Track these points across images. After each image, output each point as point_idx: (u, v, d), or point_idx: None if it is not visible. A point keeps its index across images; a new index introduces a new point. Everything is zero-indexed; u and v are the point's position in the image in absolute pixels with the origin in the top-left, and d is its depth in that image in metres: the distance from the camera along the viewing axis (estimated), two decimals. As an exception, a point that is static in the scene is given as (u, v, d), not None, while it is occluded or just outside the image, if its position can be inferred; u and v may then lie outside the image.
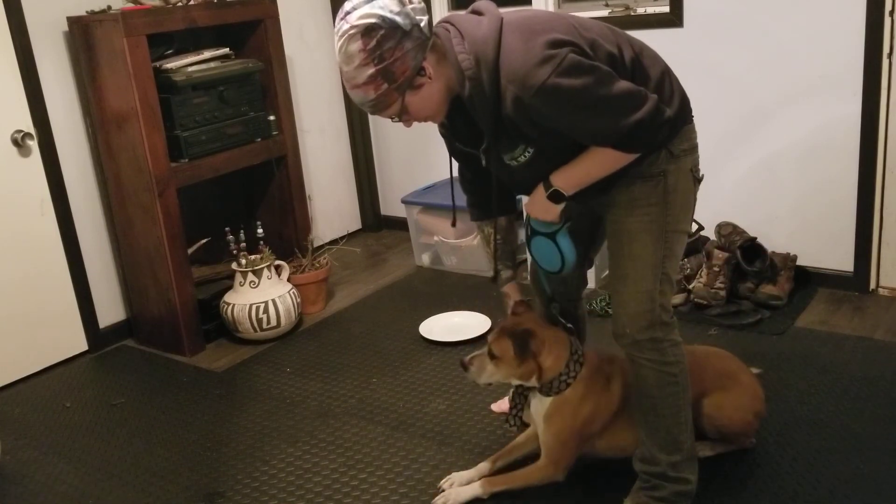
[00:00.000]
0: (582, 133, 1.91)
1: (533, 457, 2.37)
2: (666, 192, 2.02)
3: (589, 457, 2.36)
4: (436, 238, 4.15)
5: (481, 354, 2.30)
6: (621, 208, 2.07)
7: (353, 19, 1.80)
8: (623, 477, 2.35)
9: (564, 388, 2.26)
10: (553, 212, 2.07)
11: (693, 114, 2.10)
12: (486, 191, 2.20)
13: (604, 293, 3.60)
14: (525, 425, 2.47)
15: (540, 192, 2.04)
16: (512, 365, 2.25)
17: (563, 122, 1.88)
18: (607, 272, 3.96)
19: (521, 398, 2.37)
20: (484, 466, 2.42)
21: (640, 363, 2.10)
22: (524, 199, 2.16)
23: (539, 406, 2.32)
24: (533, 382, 2.29)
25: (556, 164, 2.01)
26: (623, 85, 1.85)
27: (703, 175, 2.13)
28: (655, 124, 1.88)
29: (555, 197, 2.02)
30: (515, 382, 2.31)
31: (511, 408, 2.39)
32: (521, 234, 2.33)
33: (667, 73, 2.03)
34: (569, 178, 2.01)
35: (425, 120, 2.00)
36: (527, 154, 2.00)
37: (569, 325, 2.36)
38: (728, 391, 2.34)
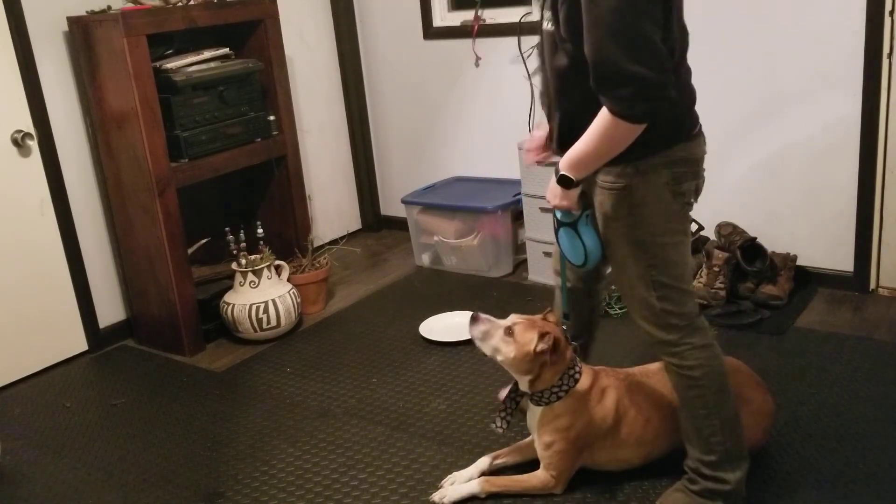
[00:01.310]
0: (588, 30, 1.81)
1: (533, 463, 2.37)
2: (632, 206, 2.03)
3: (590, 469, 2.36)
4: (436, 238, 4.15)
5: (497, 325, 2.28)
6: (600, 218, 2.10)
7: None
8: (622, 480, 2.36)
9: (554, 399, 2.27)
10: (568, 198, 2.03)
11: (686, 134, 2.05)
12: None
13: (604, 293, 3.59)
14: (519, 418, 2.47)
15: (552, 179, 2.04)
16: (521, 355, 2.22)
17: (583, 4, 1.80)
18: (607, 272, 3.96)
19: (512, 403, 2.38)
20: (484, 462, 2.43)
21: (667, 364, 2.14)
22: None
23: (532, 416, 2.34)
24: (524, 383, 2.30)
25: (554, 58, 2.01)
26: (653, 35, 1.78)
27: (695, 187, 2.08)
28: (656, 87, 1.80)
29: (563, 182, 2.00)
30: (506, 366, 2.29)
31: (500, 410, 2.39)
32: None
33: (690, 88, 2.00)
34: (570, 160, 1.97)
35: None
36: (548, 23, 1.98)
37: (575, 344, 2.35)
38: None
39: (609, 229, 2.09)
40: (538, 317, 2.35)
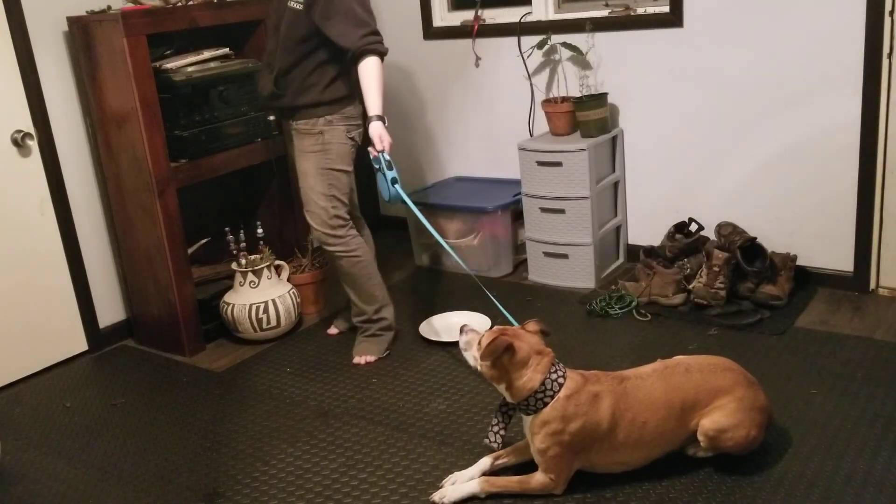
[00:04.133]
0: (345, 14, 2.92)
1: (534, 463, 2.36)
2: (324, 144, 3.07)
3: (588, 472, 2.36)
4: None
5: (477, 333, 2.36)
6: (297, 153, 3.14)
7: None
8: (622, 481, 2.36)
9: (542, 406, 2.26)
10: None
11: (353, 98, 3.12)
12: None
13: (604, 293, 3.60)
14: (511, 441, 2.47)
15: (376, 126, 2.95)
16: (484, 360, 2.28)
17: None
18: (607, 273, 3.97)
19: (504, 417, 2.39)
20: (485, 462, 2.43)
21: (334, 256, 3.17)
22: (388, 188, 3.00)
23: (525, 423, 2.34)
24: (503, 391, 2.32)
25: (291, 30, 2.97)
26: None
27: (358, 141, 3.15)
28: (375, 33, 2.98)
29: (383, 120, 2.98)
30: (486, 378, 2.33)
31: (493, 425, 2.40)
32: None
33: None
34: (378, 105, 2.95)
35: None
36: (297, 4, 2.93)
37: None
38: (724, 409, 2.29)
39: (305, 162, 3.10)
40: (517, 326, 2.38)
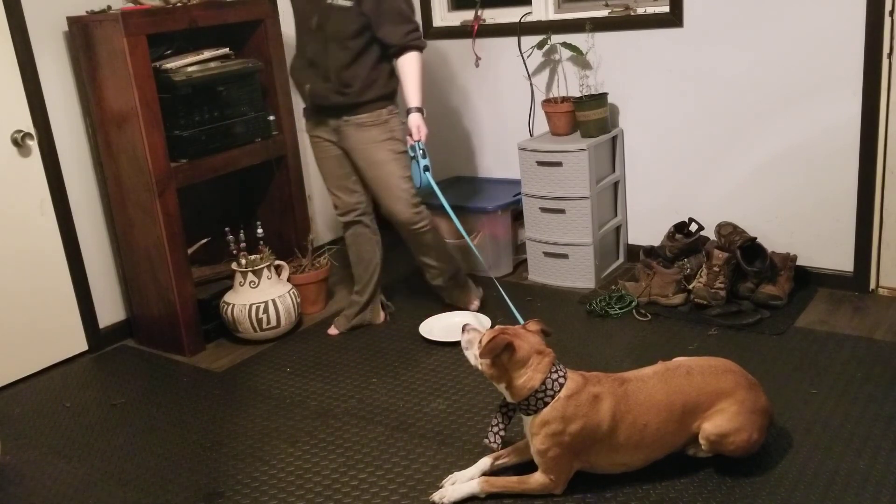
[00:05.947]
0: (392, 9, 3.09)
1: (534, 463, 2.37)
2: (391, 131, 3.25)
3: (588, 472, 2.36)
4: (436, 238, 4.15)
5: (478, 332, 2.37)
6: (364, 146, 3.24)
7: None
8: (622, 481, 2.36)
9: (542, 406, 2.26)
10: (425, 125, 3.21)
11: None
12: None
13: (604, 293, 3.60)
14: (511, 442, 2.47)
15: (416, 117, 3.16)
16: (484, 358, 2.28)
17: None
18: (607, 273, 3.97)
19: (504, 418, 2.39)
20: (485, 462, 2.43)
21: (420, 232, 3.38)
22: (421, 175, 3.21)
23: (525, 423, 2.34)
24: (503, 390, 2.32)
25: (343, 26, 3.09)
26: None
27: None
28: (417, 29, 3.18)
29: (422, 111, 3.19)
30: (486, 376, 2.33)
31: (493, 425, 2.40)
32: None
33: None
34: (419, 97, 3.18)
35: None
36: (347, 1, 3.04)
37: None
38: (726, 413, 2.29)
39: (377, 150, 3.24)
40: (520, 325, 2.38)
